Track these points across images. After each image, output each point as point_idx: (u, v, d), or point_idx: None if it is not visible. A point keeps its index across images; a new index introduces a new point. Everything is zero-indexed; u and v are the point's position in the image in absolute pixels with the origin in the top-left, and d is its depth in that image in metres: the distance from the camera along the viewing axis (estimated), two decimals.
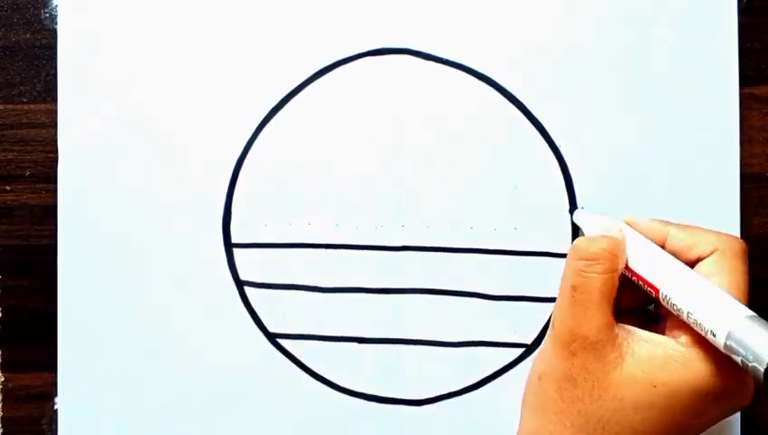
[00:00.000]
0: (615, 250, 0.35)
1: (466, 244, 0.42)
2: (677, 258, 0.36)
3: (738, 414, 0.41)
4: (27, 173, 0.42)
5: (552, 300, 0.42)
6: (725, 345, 0.32)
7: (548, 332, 0.36)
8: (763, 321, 0.32)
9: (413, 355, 0.42)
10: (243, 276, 0.42)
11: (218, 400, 0.42)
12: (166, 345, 0.41)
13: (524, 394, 0.36)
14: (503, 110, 0.42)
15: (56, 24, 0.41)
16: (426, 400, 0.42)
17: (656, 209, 0.42)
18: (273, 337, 0.42)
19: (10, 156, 0.42)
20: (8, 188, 0.42)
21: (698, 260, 0.36)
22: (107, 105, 0.41)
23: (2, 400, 0.42)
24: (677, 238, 0.37)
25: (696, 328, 0.34)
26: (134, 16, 0.41)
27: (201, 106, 0.41)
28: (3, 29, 0.42)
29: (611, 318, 0.34)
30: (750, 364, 0.31)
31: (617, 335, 0.34)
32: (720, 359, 0.33)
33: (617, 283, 0.35)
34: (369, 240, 0.42)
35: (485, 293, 0.42)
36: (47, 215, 0.42)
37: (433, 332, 0.42)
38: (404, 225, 0.42)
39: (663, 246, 0.37)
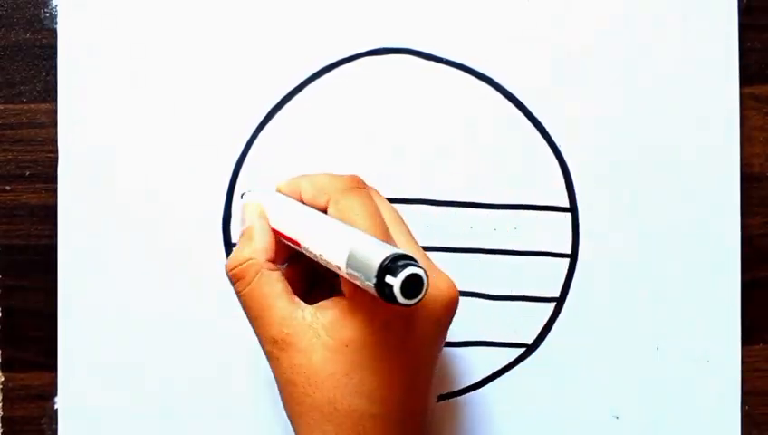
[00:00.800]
0: (251, 252, 0.35)
1: (466, 244, 0.42)
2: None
3: (738, 414, 0.42)
4: (27, 173, 0.42)
5: (553, 300, 0.42)
6: (348, 274, 0.31)
7: None
8: (375, 240, 0.31)
9: None
10: None
11: (218, 400, 0.42)
12: (165, 345, 0.41)
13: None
14: (503, 110, 0.42)
15: (56, 23, 0.41)
16: None
17: (656, 209, 0.42)
18: None
19: (10, 156, 0.42)
20: (8, 187, 0.42)
21: (326, 206, 0.35)
22: (107, 105, 0.41)
23: (2, 399, 0.42)
24: (305, 190, 0.36)
25: (331, 268, 0.32)
26: (134, 16, 0.41)
27: (201, 106, 0.41)
28: (3, 29, 0.42)
29: (291, 306, 0.34)
30: (366, 283, 0.29)
31: (303, 318, 0.33)
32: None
33: (275, 273, 0.34)
34: None
35: (485, 293, 0.42)
36: (47, 215, 0.42)
37: None
38: None
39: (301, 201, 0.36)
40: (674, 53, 0.42)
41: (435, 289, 0.33)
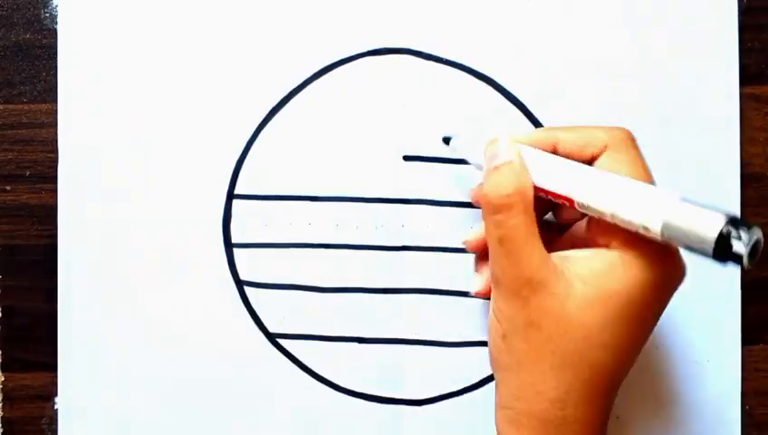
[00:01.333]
0: (521, 185, 0.33)
1: None
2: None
3: (738, 414, 0.42)
4: (27, 173, 0.42)
5: None
6: (663, 235, 0.31)
7: (492, 289, 0.35)
8: (692, 200, 0.31)
9: (413, 355, 0.42)
10: (243, 276, 0.42)
11: (218, 400, 0.42)
12: (166, 345, 0.41)
13: (492, 358, 0.35)
14: (503, 110, 0.42)
15: (56, 23, 0.41)
16: (426, 400, 0.42)
17: None
18: (273, 337, 0.42)
19: (10, 156, 0.42)
20: (8, 187, 0.42)
21: (593, 159, 0.35)
22: (107, 105, 0.41)
23: (2, 400, 0.42)
24: (568, 141, 0.35)
25: (625, 226, 0.32)
26: (134, 16, 0.41)
27: (201, 106, 0.41)
28: (3, 29, 0.42)
29: (544, 251, 0.33)
30: (696, 247, 0.30)
31: (556, 265, 0.33)
32: (654, 250, 0.32)
33: (533, 212, 0.34)
34: (369, 240, 0.42)
35: None
36: (47, 215, 0.42)
37: (433, 332, 0.42)
38: (404, 225, 0.42)
39: (556, 153, 0.36)
40: (674, 53, 0.42)
41: (681, 261, 0.34)
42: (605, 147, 0.34)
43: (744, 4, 0.42)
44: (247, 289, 0.42)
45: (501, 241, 0.33)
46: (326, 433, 0.42)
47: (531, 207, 0.33)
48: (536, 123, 0.42)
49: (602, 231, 0.33)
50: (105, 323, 0.41)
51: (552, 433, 0.33)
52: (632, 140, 0.35)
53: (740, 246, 0.29)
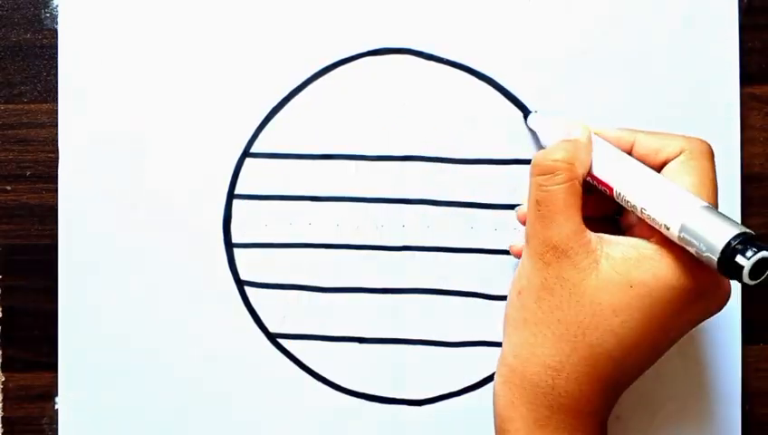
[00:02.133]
0: (572, 158, 0.35)
1: (466, 244, 0.42)
2: (645, 163, 0.36)
3: (738, 414, 0.42)
4: (28, 173, 0.42)
5: None
6: (679, 237, 0.31)
7: (523, 249, 0.35)
8: (716, 211, 0.32)
9: (413, 355, 0.42)
10: (243, 276, 0.42)
11: (218, 399, 0.42)
12: (166, 345, 0.41)
13: (506, 312, 0.36)
14: (503, 110, 0.42)
15: (57, 23, 0.41)
16: (426, 400, 0.42)
17: None
18: (273, 337, 0.42)
19: (11, 156, 0.42)
20: (9, 187, 0.42)
21: (666, 162, 0.35)
22: (107, 105, 0.41)
23: (2, 400, 0.42)
24: (645, 143, 0.36)
25: (651, 224, 0.33)
26: (135, 16, 0.41)
27: (202, 106, 0.41)
28: (3, 29, 0.42)
29: (581, 225, 0.34)
30: (704, 254, 0.30)
31: (589, 241, 0.33)
32: (696, 262, 0.32)
33: (579, 189, 0.35)
34: (369, 240, 0.42)
35: (485, 293, 0.42)
36: (47, 215, 0.42)
37: (433, 332, 0.42)
38: (404, 225, 0.42)
39: (630, 153, 0.37)
40: (674, 53, 0.42)
41: (725, 284, 0.34)
42: (680, 153, 0.35)
43: (744, 5, 0.42)
44: (247, 289, 0.42)
45: (538, 202, 0.34)
46: (326, 433, 0.42)
47: (576, 181, 0.34)
48: None
49: (646, 228, 0.34)
50: (105, 323, 0.41)
51: (539, 399, 0.33)
52: (709, 153, 0.35)
53: (743, 260, 0.29)
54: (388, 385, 0.42)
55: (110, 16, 0.41)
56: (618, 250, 0.33)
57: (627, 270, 0.32)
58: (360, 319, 0.42)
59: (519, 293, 0.35)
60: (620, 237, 0.34)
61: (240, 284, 0.42)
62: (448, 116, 0.42)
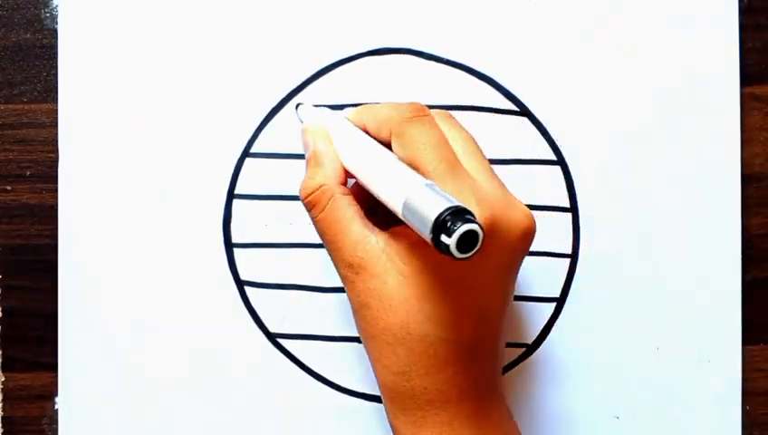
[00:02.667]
0: (322, 178, 0.35)
1: None
2: (380, 141, 0.35)
3: (738, 414, 0.42)
4: (28, 173, 0.42)
5: (553, 300, 0.42)
6: (403, 216, 0.31)
7: None
8: (437, 188, 0.30)
9: None
10: (243, 276, 0.42)
11: (218, 400, 0.42)
12: (166, 345, 0.41)
13: None
14: (503, 110, 0.42)
15: (57, 23, 0.41)
16: None
17: (656, 209, 0.42)
18: (273, 337, 0.42)
19: (11, 156, 0.42)
20: (9, 187, 0.42)
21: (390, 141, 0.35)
22: (107, 105, 0.41)
23: (2, 400, 0.42)
24: (370, 125, 0.36)
25: (390, 209, 0.32)
26: (135, 17, 0.41)
27: (201, 106, 0.41)
28: (3, 29, 0.42)
29: (362, 231, 0.34)
30: (423, 233, 0.29)
31: (374, 244, 0.33)
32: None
33: (345, 199, 0.34)
34: None
35: None
36: (48, 215, 0.42)
37: None
38: None
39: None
40: (674, 53, 0.42)
41: (509, 219, 0.33)
42: (391, 127, 0.34)
43: (744, 4, 0.42)
44: (247, 289, 0.42)
45: (320, 232, 0.35)
46: (326, 433, 0.42)
47: (335, 195, 0.35)
48: (536, 123, 0.42)
49: None
50: (105, 323, 0.41)
51: (406, 404, 0.33)
52: (418, 117, 0.34)
53: (447, 239, 0.28)
54: None
55: (110, 16, 0.41)
56: (401, 242, 0.33)
57: (412, 258, 0.32)
58: None
59: (353, 314, 0.35)
60: (402, 226, 0.33)
61: (240, 284, 0.42)
62: None
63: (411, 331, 0.32)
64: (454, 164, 0.33)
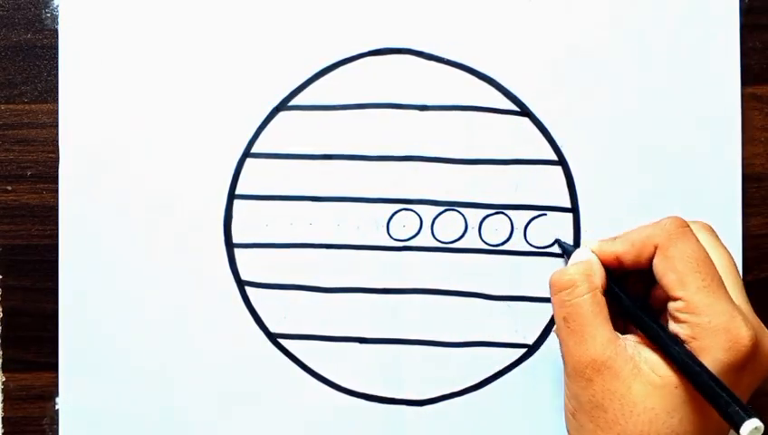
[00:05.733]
0: (587, 270, 0.35)
1: (466, 244, 0.42)
2: (636, 267, 0.36)
3: None
4: (28, 173, 0.42)
5: None
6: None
7: (564, 369, 0.36)
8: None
9: (414, 355, 0.42)
10: (244, 276, 0.42)
11: (219, 400, 0.42)
12: (166, 345, 0.41)
13: (567, 431, 0.36)
14: (503, 110, 0.42)
15: (57, 24, 0.41)
16: (427, 400, 0.42)
17: (657, 209, 0.42)
18: (274, 337, 0.42)
19: (11, 156, 0.42)
20: (9, 188, 0.42)
21: (651, 259, 0.35)
22: (108, 105, 0.41)
23: (2, 400, 0.42)
24: (627, 254, 0.36)
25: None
26: (135, 17, 0.41)
27: (202, 106, 0.41)
28: (4, 29, 0.42)
29: (612, 333, 0.34)
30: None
31: (624, 347, 0.34)
32: (725, 338, 0.32)
33: (603, 298, 0.35)
34: (369, 240, 0.42)
35: (486, 293, 0.42)
36: (48, 215, 0.42)
37: (433, 332, 0.42)
38: (404, 225, 0.42)
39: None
40: (675, 53, 0.42)
41: (765, 344, 0.33)
42: (654, 248, 0.35)
43: (745, 5, 0.42)
44: (248, 289, 0.42)
45: (566, 319, 0.34)
46: (326, 433, 0.42)
47: (597, 291, 0.35)
48: (537, 123, 0.42)
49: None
50: (106, 323, 0.41)
51: None
52: (683, 232, 0.34)
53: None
54: (388, 385, 0.42)
55: (110, 16, 0.41)
56: (654, 353, 0.33)
57: (667, 372, 0.33)
58: (360, 319, 0.42)
59: (573, 415, 0.35)
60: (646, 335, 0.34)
61: (240, 284, 0.42)
62: (449, 116, 0.42)
63: None
64: (718, 283, 0.33)
